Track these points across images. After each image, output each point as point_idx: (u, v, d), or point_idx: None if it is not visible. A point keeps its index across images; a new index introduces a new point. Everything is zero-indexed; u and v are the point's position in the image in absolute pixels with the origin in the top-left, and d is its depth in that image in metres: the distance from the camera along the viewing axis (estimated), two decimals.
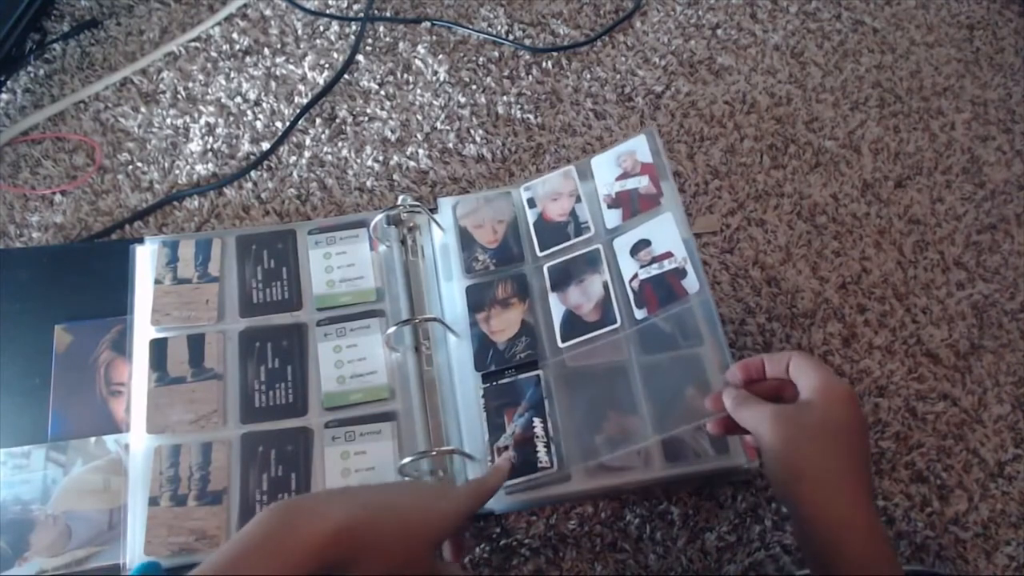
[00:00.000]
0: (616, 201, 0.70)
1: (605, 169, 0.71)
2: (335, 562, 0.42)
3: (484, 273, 0.70)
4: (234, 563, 0.40)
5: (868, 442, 0.52)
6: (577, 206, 0.71)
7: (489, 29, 0.90)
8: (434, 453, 0.61)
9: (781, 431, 0.47)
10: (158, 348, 0.66)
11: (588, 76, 0.87)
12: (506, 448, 0.61)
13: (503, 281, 0.69)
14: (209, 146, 0.81)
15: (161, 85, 0.85)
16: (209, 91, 0.85)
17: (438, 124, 0.83)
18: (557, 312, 0.66)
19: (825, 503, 0.45)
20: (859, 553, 0.44)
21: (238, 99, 0.84)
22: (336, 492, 0.49)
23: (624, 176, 0.70)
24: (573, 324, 0.66)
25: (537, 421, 0.62)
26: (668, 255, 0.65)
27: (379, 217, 0.71)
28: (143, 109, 0.83)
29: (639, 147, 0.70)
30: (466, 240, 0.71)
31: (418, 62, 0.87)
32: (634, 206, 0.68)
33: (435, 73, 0.86)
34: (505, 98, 0.85)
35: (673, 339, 0.67)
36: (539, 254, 0.70)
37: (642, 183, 0.69)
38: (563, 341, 0.65)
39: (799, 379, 0.50)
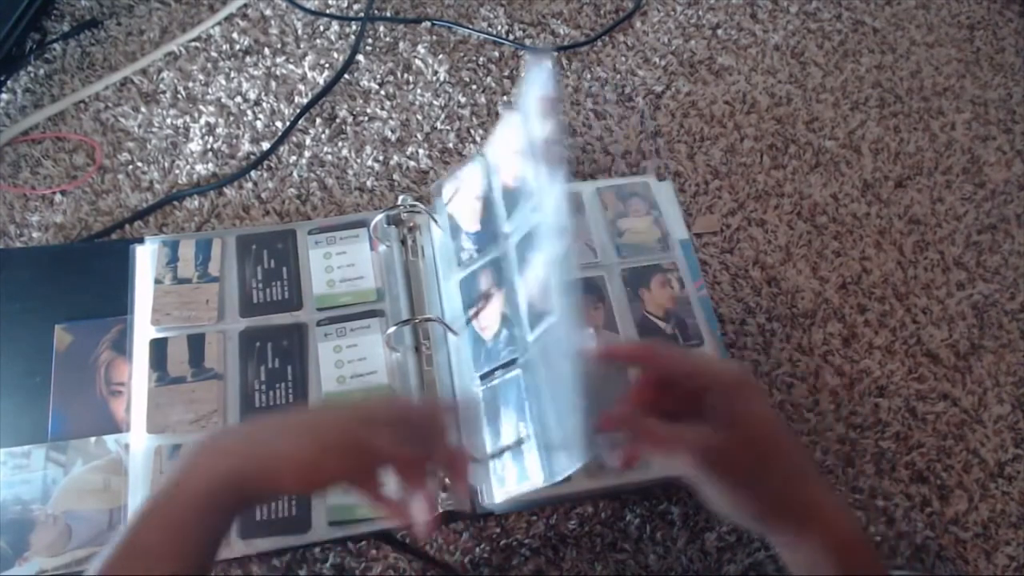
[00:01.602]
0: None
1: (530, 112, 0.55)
2: (235, 501, 0.43)
3: (469, 263, 0.67)
4: (125, 542, 0.41)
5: (794, 439, 0.51)
6: (525, 166, 0.58)
7: (489, 29, 0.90)
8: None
9: (714, 478, 0.43)
10: (158, 348, 0.66)
11: (588, 76, 0.87)
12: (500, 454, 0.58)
13: (484, 270, 0.65)
14: (209, 146, 0.81)
15: (161, 85, 0.85)
16: (209, 91, 0.85)
17: (438, 124, 0.83)
18: (522, 299, 0.57)
19: (801, 517, 0.42)
20: (838, 541, 0.42)
21: (238, 99, 0.84)
22: (216, 438, 0.47)
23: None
24: (535, 311, 0.56)
25: (521, 426, 0.57)
26: None
27: (379, 217, 0.71)
28: (143, 109, 0.83)
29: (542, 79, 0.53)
30: (454, 230, 0.70)
31: (418, 62, 0.87)
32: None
33: (435, 73, 0.86)
34: (505, 98, 0.85)
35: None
36: (505, 231, 0.61)
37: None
38: (531, 331, 0.56)
39: (712, 385, 0.45)
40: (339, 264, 0.71)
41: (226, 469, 0.43)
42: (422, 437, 0.48)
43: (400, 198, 0.73)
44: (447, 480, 0.60)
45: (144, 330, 0.67)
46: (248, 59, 0.87)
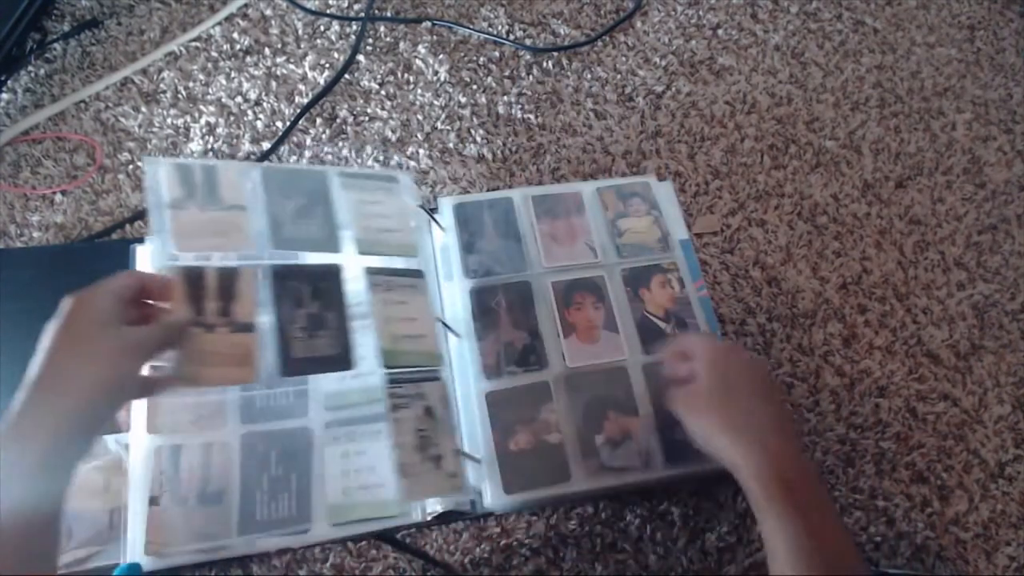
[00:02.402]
0: None
1: None
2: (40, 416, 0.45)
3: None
4: None
5: (759, 379, 0.57)
6: None
7: (490, 29, 0.90)
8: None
9: (686, 413, 0.56)
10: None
11: (589, 76, 0.87)
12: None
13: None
14: (210, 146, 0.81)
15: (162, 85, 0.85)
16: (210, 91, 0.85)
17: (439, 124, 0.83)
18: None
19: (738, 446, 0.52)
20: (780, 478, 0.50)
21: (239, 99, 0.84)
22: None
23: None
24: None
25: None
26: None
27: None
28: (144, 109, 0.83)
29: None
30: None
31: (419, 62, 0.87)
32: None
33: (436, 73, 0.86)
34: (506, 98, 0.85)
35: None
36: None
37: None
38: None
39: (695, 356, 0.58)
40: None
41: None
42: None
43: None
44: None
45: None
46: (248, 59, 0.87)
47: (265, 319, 0.57)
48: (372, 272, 0.61)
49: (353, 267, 0.62)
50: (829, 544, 0.48)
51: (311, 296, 0.59)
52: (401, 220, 0.65)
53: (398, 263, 0.64)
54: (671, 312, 0.70)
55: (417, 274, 0.64)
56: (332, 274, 0.61)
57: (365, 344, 0.59)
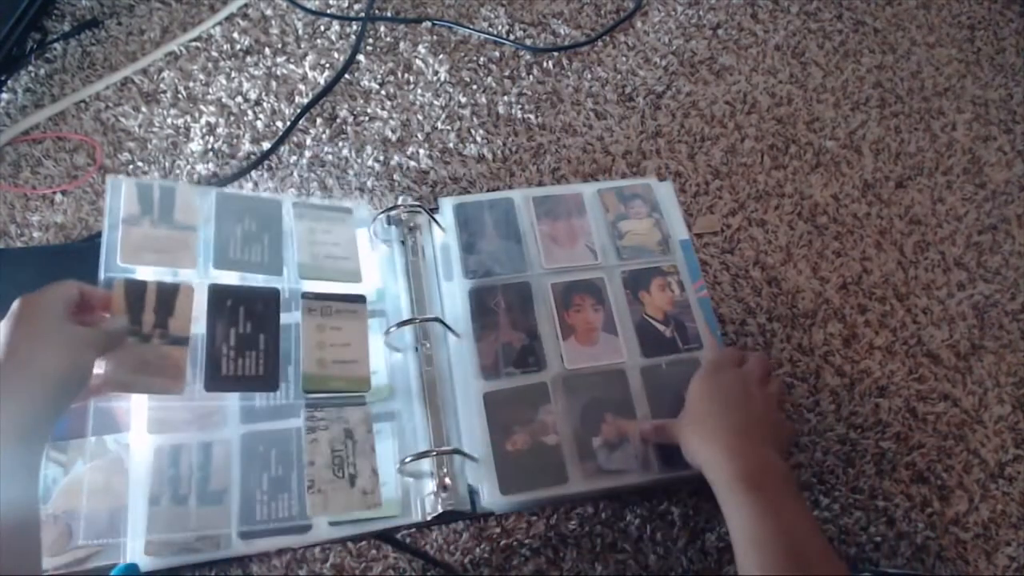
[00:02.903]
0: None
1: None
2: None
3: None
4: None
5: (736, 390, 0.59)
6: None
7: (490, 29, 0.90)
8: (434, 453, 0.61)
9: (678, 437, 0.60)
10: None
11: (589, 76, 0.87)
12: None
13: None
14: (210, 146, 0.81)
15: (162, 85, 0.85)
16: (210, 91, 0.85)
17: (439, 124, 0.83)
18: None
19: (705, 447, 0.56)
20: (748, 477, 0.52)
21: (239, 99, 0.84)
22: None
23: None
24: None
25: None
26: None
27: (379, 217, 0.71)
28: (144, 109, 0.83)
29: None
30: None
31: (419, 62, 0.87)
32: None
33: (436, 73, 0.86)
34: (506, 98, 0.85)
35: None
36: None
37: None
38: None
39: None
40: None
41: None
42: None
43: (400, 198, 0.73)
44: (447, 480, 0.60)
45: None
46: (249, 59, 0.87)
47: (197, 335, 0.60)
48: (309, 297, 0.64)
49: (291, 291, 0.65)
50: (790, 534, 0.49)
51: (245, 316, 0.62)
52: (348, 248, 0.69)
53: (339, 288, 0.66)
54: (670, 315, 0.70)
55: (358, 299, 0.66)
56: (270, 297, 0.64)
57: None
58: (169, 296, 0.60)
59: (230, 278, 0.64)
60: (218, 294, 0.62)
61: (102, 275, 0.60)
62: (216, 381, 0.60)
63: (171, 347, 0.58)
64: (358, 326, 0.65)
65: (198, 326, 0.60)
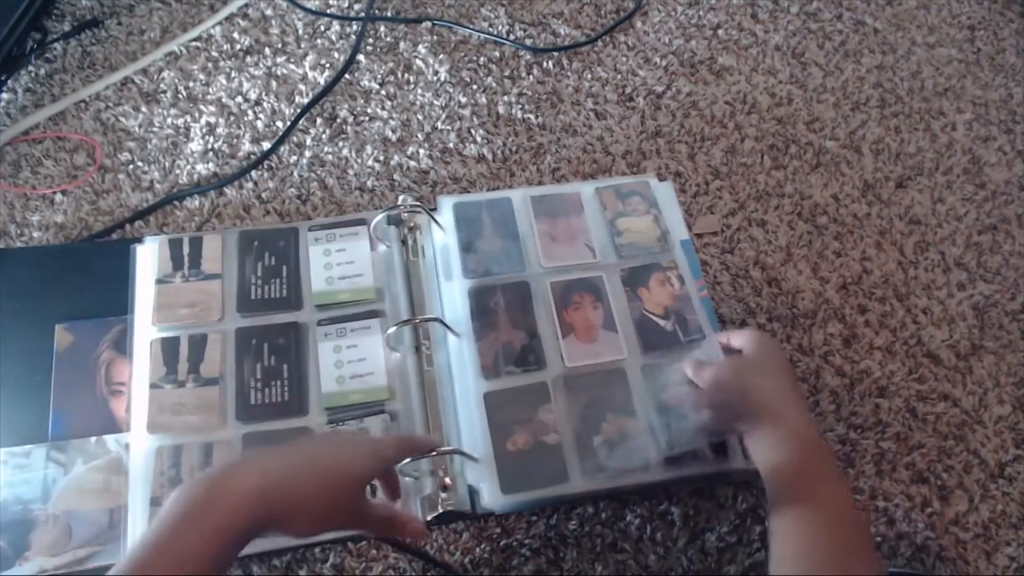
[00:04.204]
0: None
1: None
2: (259, 523, 0.43)
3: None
4: (158, 544, 0.41)
5: (791, 369, 0.62)
6: None
7: (490, 29, 0.90)
8: (434, 453, 0.61)
9: (731, 373, 0.59)
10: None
11: (589, 76, 0.87)
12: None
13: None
14: (210, 146, 0.81)
15: (162, 85, 0.85)
16: (210, 91, 0.85)
17: (439, 124, 0.83)
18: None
19: (771, 416, 0.54)
20: (805, 456, 0.52)
21: (239, 99, 0.84)
22: (251, 456, 0.49)
23: None
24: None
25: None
26: None
27: (379, 217, 0.71)
28: (144, 109, 0.83)
29: None
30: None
31: (419, 62, 0.87)
32: None
33: (436, 73, 0.86)
34: (506, 98, 0.85)
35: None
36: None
37: None
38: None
39: (741, 344, 0.61)
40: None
41: (257, 489, 0.43)
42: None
43: (400, 198, 0.73)
44: (446, 481, 0.60)
45: (144, 330, 0.67)
46: (249, 59, 0.87)
47: (227, 373, 0.66)
48: (324, 323, 0.69)
49: (310, 321, 0.69)
50: (836, 548, 0.48)
51: (269, 351, 0.67)
52: (362, 264, 0.72)
53: (353, 309, 0.70)
54: (671, 310, 0.70)
55: (372, 315, 0.69)
56: (290, 329, 0.68)
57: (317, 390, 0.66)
58: (199, 344, 0.67)
59: (253, 318, 0.69)
60: (243, 335, 0.68)
61: (133, 335, 0.67)
62: (247, 411, 0.64)
63: (204, 388, 0.65)
64: (373, 340, 0.68)
65: (226, 364, 0.66)
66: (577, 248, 0.72)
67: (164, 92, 0.84)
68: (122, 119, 0.82)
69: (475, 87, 0.86)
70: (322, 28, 0.90)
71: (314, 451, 0.49)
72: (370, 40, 0.89)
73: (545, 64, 0.88)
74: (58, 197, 0.77)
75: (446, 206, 0.74)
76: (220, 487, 0.43)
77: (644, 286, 0.71)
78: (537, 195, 0.75)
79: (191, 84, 0.85)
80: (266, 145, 0.81)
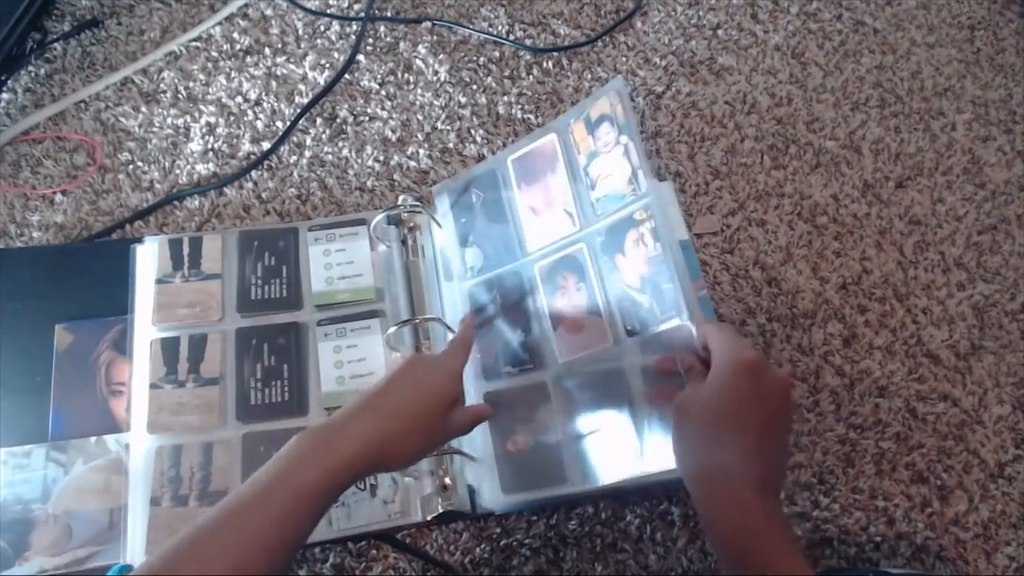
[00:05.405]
0: None
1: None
2: (368, 467, 0.49)
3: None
4: (281, 473, 0.45)
5: (772, 411, 0.49)
6: None
7: (490, 29, 0.90)
8: (435, 454, 0.61)
9: (674, 429, 0.53)
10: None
11: (589, 76, 0.87)
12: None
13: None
14: (210, 146, 0.81)
15: (162, 85, 0.85)
16: (210, 91, 0.85)
17: (439, 124, 0.83)
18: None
19: (715, 508, 0.48)
20: (760, 552, 0.45)
21: (239, 99, 0.84)
22: (357, 411, 0.51)
23: None
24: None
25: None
26: None
27: (379, 217, 0.71)
28: (144, 109, 0.83)
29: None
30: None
31: (419, 62, 0.87)
32: None
33: (436, 73, 0.86)
34: (506, 98, 0.85)
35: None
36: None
37: None
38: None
39: (714, 351, 0.53)
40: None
41: (351, 455, 0.47)
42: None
43: (400, 198, 0.73)
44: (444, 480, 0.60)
45: (144, 330, 0.67)
46: (249, 59, 0.87)
47: (227, 372, 0.67)
48: (324, 324, 0.69)
49: (310, 321, 0.69)
50: None
51: (269, 351, 0.68)
52: (363, 264, 0.72)
53: (353, 309, 0.70)
54: (646, 278, 0.63)
55: (372, 315, 0.70)
56: (290, 329, 0.69)
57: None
58: (199, 344, 0.67)
59: (253, 318, 0.70)
60: (243, 336, 0.68)
61: (133, 335, 0.68)
62: (247, 411, 0.65)
63: (204, 388, 0.65)
64: (373, 340, 0.68)
65: (227, 364, 0.67)
66: (556, 217, 0.68)
67: (164, 92, 0.84)
68: (122, 119, 0.82)
69: (475, 87, 0.86)
70: (322, 28, 0.90)
71: (410, 394, 0.53)
72: (370, 40, 0.89)
73: (545, 64, 0.88)
74: (58, 197, 0.77)
75: (440, 195, 0.74)
76: (340, 433, 0.48)
77: (620, 251, 0.65)
78: (516, 157, 0.72)
79: (191, 84, 0.85)
80: (266, 145, 0.81)
